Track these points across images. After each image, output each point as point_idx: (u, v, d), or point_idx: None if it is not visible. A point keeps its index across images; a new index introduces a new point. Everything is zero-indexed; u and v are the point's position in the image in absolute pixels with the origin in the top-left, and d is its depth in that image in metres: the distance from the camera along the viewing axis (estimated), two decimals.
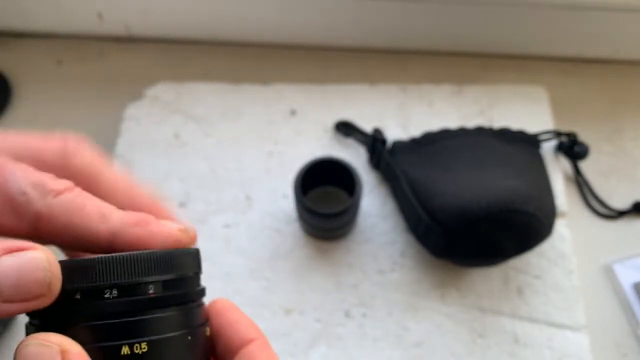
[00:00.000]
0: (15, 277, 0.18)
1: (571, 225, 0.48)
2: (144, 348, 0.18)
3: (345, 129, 0.52)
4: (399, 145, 0.50)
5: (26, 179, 0.21)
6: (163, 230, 0.21)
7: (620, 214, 0.50)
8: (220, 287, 0.46)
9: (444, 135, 0.49)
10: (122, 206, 0.22)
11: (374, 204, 0.49)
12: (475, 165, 0.45)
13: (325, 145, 0.52)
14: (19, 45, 0.61)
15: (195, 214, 0.49)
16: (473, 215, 0.41)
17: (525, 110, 0.53)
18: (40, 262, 0.18)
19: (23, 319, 0.37)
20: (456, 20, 0.55)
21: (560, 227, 0.48)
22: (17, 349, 0.18)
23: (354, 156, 0.52)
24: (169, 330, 0.18)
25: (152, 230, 0.21)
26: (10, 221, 0.20)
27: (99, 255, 0.18)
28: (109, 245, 0.21)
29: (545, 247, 0.47)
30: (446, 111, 0.54)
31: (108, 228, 0.21)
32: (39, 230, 0.21)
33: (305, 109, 0.54)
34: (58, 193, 0.21)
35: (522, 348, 0.44)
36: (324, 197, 0.49)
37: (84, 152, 0.23)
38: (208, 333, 0.21)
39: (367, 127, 0.52)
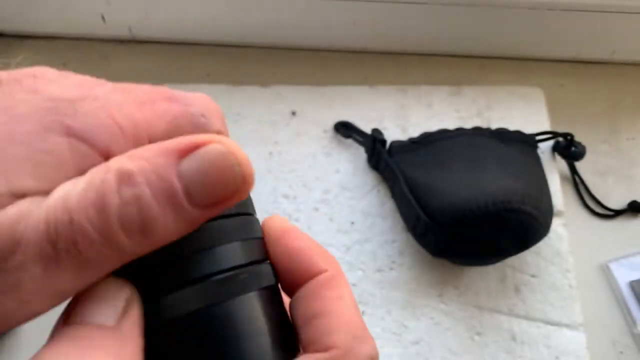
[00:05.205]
0: (202, 181, 0.15)
1: (568, 224, 0.49)
2: None
3: (344, 129, 0.53)
4: (397, 146, 0.50)
5: (202, 104, 0.18)
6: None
7: (616, 214, 0.51)
8: None
9: (442, 136, 0.49)
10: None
11: (373, 203, 0.50)
12: (473, 165, 0.46)
13: (325, 146, 0.53)
14: (23, 47, 0.62)
15: None
16: (471, 215, 0.41)
17: (523, 111, 0.54)
18: (226, 156, 0.16)
19: None
20: (454, 22, 0.55)
21: (557, 226, 0.48)
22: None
23: (354, 156, 0.52)
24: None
25: None
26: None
27: None
28: None
29: (542, 246, 0.47)
30: (444, 112, 0.54)
31: None
32: None
33: (306, 110, 0.55)
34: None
35: (519, 346, 0.44)
36: None
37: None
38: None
39: (367, 127, 0.52)
